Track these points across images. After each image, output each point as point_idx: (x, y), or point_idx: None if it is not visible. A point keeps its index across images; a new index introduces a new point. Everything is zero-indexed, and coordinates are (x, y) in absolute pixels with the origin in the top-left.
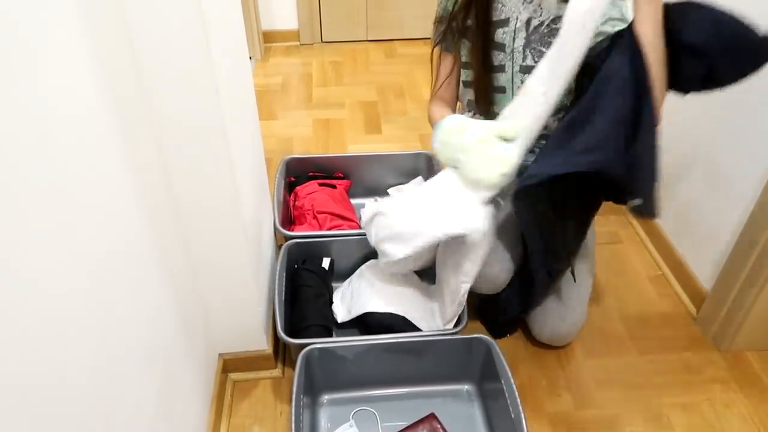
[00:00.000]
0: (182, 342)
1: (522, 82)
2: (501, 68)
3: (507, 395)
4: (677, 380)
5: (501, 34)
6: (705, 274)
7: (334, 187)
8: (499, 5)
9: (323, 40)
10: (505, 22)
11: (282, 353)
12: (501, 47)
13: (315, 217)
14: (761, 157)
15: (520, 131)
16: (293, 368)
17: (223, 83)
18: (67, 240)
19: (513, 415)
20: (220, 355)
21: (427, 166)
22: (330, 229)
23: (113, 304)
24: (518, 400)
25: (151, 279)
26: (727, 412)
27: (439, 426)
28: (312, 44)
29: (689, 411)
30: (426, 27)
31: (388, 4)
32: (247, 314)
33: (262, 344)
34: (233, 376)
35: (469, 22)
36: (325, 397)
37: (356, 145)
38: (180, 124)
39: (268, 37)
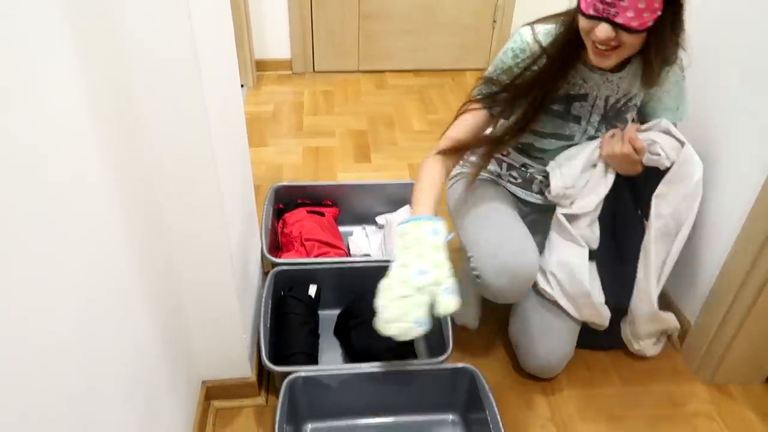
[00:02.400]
0: (165, 369)
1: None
2: (570, 137)
3: (491, 425)
4: (661, 413)
5: (578, 108)
6: (689, 307)
7: (322, 214)
8: (580, 81)
9: (315, 69)
10: (583, 97)
11: (266, 381)
12: (577, 119)
13: (302, 244)
14: (741, 195)
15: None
16: (277, 396)
17: (213, 111)
18: (54, 269)
19: None
20: (203, 382)
21: None
22: (317, 256)
23: (97, 333)
24: (502, 430)
25: (136, 307)
26: None
27: None
28: (304, 73)
29: None
30: (416, 59)
31: (379, 36)
32: (232, 341)
33: (246, 372)
34: (216, 403)
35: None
36: (309, 426)
37: (346, 173)
38: (169, 151)
39: (261, 65)
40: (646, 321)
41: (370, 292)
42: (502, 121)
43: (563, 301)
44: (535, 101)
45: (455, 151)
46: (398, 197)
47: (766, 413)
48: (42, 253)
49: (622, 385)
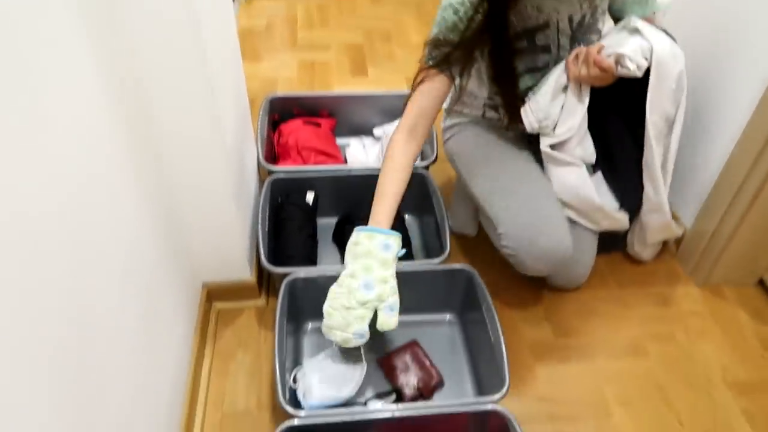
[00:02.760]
0: (163, 268)
1: None
2: (545, 68)
3: (487, 321)
4: (654, 312)
5: (543, 38)
6: (686, 212)
7: (318, 125)
8: (534, 12)
9: None
10: (544, 26)
11: (266, 284)
12: (545, 49)
13: (299, 153)
14: (742, 99)
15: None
16: (277, 298)
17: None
18: (44, 157)
19: (492, 339)
20: (204, 283)
21: None
22: (314, 164)
23: (89, 223)
24: (498, 324)
25: (128, 201)
26: (700, 342)
27: (420, 351)
28: None
29: (664, 340)
30: None
31: None
32: (230, 243)
33: (246, 274)
34: (217, 305)
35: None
36: (309, 325)
37: (342, 87)
38: (158, 50)
39: None
40: (658, 230)
41: (368, 199)
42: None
43: (581, 220)
44: (494, 48)
45: (422, 127)
46: (396, 108)
47: (756, 313)
48: (28, 139)
49: (617, 287)
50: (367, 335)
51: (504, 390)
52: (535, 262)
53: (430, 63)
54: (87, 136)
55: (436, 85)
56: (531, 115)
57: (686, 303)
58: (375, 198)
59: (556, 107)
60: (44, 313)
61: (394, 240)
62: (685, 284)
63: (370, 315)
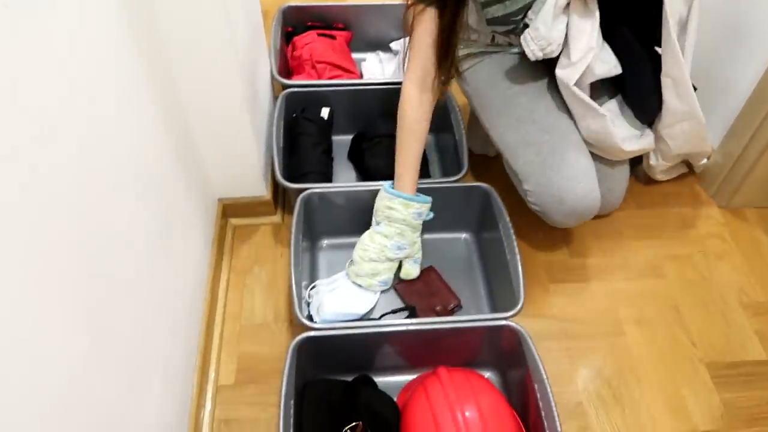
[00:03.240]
0: (179, 180)
1: None
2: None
3: (504, 240)
4: (673, 234)
5: None
6: (712, 135)
7: (333, 38)
8: None
9: None
10: None
11: (282, 200)
12: None
13: (314, 67)
14: None
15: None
16: (292, 215)
17: None
18: (56, 65)
19: (508, 258)
20: (219, 200)
21: None
22: (329, 79)
23: (101, 128)
24: (514, 243)
25: (141, 108)
26: (718, 263)
27: (436, 276)
28: None
29: (682, 261)
30: None
31: None
32: (245, 159)
33: (261, 190)
34: (233, 221)
35: None
36: (325, 242)
37: None
38: None
39: None
40: (687, 140)
41: (384, 115)
42: None
43: (609, 156)
44: None
45: (431, 74)
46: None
47: None
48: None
49: (636, 208)
50: (390, 284)
51: (518, 307)
52: (564, 219)
53: None
54: (97, 47)
55: (429, 26)
56: (532, 43)
57: (707, 225)
58: (397, 158)
59: (559, 30)
60: (64, 223)
61: (426, 208)
62: (707, 206)
63: (396, 266)
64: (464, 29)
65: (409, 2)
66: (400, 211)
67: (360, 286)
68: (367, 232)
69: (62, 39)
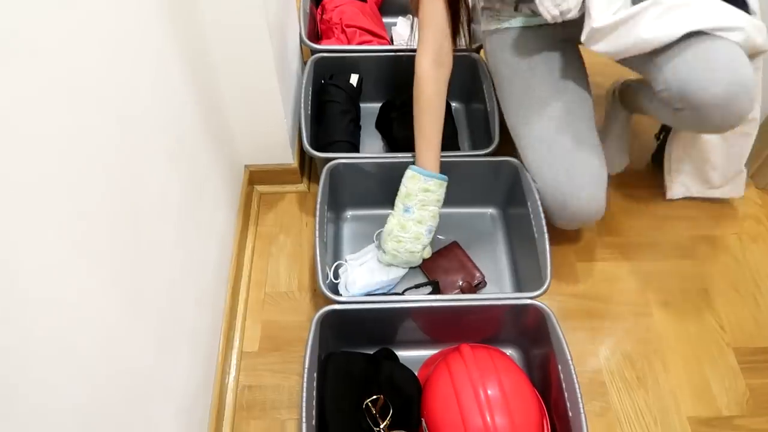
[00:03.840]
0: (207, 144)
1: None
2: None
3: (532, 217)
4: (708, 214)
5: None
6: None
7: (364, 1)
8: None
9: None
10: None
11: (308, 169)
12: None
13: (343, 31)
14: None
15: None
16: (318, 184)
17: None
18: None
19: (536, 234)
20: (246, 166)
21: None
22: (359, 44)
23: (129, 86)
24: (543, 221)
25: (169, 69)
26: (752, 246)
27: (461, 252)
28: None
29: (716, 243)
30: None
31: None
32: (273, 126)
33: (288, 158)
34: (259, 188)
35: None
36: (349, 213)
37: None
38: None
39: None
40: None
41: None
42: None
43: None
44: None
45: (446, 46)
46: None
47: None
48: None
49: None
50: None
51: (545, 287)
52: (565, 224)
53: None
54: (127, 8)
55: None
56: (546, 1)
57: (743, 206)
58: (418, 136)
59: None
60: (101, 190)
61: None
62: (746, 186)
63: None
64: None
65: None
66: (435, 192)
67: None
68: (395, 222)
69: (104, 14)
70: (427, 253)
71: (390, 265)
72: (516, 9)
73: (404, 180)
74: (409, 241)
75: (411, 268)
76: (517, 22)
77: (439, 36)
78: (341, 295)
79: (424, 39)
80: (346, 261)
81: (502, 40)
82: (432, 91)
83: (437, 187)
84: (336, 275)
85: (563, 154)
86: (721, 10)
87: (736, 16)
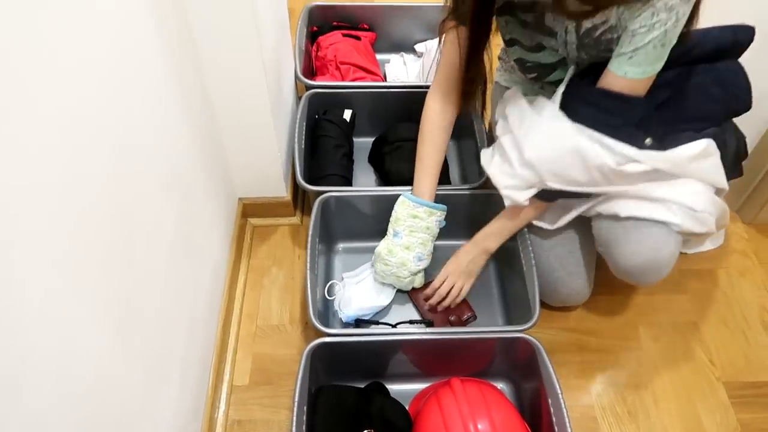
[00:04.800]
0: (201, 177)
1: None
2: (554, 51)
3: (520, 248)
4: None
5: (551, 20)
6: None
7: (358, 38)
8: None
9: None
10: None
11: (301, 202)
12: (552, 33)
13: (338, 68)
14: None
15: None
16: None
17: None
18: (80, 49)
19: (524, 268)
20: (239, 199)
21: None
22: (353, 80)
23: (129, 119)
24: (531, 253)
25: (166, 103)
26: (741, 280)
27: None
28: None
29: (704, 277)
30: None
31: None
32: (267, 159)
33: (282, 191)
34: (253, 221)
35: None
36: (341, 246)
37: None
38: None
39: None
40: None
41: (406, 118)
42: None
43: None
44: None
45: (455, 84)
46: (439, 22)
47: None
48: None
49: None
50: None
51: (533, 320)
52: (554, 303)
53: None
54: (126, 42)
55: (455, 44)
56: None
57: (731, 241)
58: (417, 166)
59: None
60: (97, 222)
61: (443, 214)
62: (732, 221)
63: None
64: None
65: (444, 10)
66: (424, 219)
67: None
68: (383, 246)
69: (104, 47)
70: (419, 282)
71: (383, 283)
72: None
73: (395, 205)
74: (395, 266)
75: (403, 292)
76: (528, 86)
77: (450, 76)
78: (335, 322)
79: (438, 74)
80: (342, 278)
81: (511, 101)
82: (435, 125)
83: (426, 215)
84: (330, 292)
85: (556, 246)
86: (655, 205)
87: (673, 211)
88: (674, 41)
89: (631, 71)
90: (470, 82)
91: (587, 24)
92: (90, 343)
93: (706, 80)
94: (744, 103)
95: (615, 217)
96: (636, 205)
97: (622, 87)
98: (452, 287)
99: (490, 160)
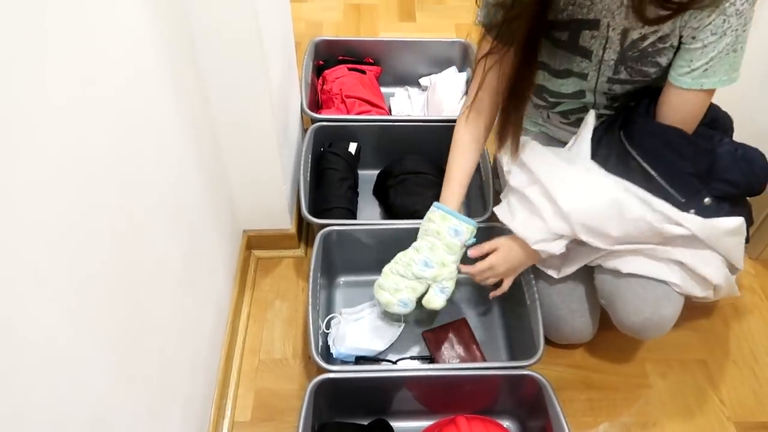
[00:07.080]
0: (207, 210)
1: (609, 91)
2: (583, 76)
3: (523, 284)
4: None
5: (588, 38)
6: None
7: (363, 72)
8: (588, 1)
9: None
10: (593, 24)
11: (306, 234)
12: (586, 54)
13: (343, 102)
14: None
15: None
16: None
17: None
18: (87, 78)
19: (528, 303)
20: (244, 231)
21: (461, 55)
22: (358, 114)
23: (134, 153)
24: (534, 288)
25: (174, 136)
26: (749, 316)
27: (467, 332)
28: None
29: (712, 314)
30: None
31: None
32: (272, 192)
33: (286, 223)
34: (257, 253)
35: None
36: (342, 279)
37: (388, 32)
38: None
39: None
40: None
41: (411, 152)
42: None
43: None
44: (531, 22)
45: (487, 101)
46: (444, 57)
47: None
48: (74, 65)
49: None
50: (412, 307)
51: (538, 356)
52: (559, 341)
53: (478, 21)
54: (133, 74)
55: (491, 60)
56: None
57: (738, 276)
58: (444, 179)
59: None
60: (101, 257)
61: (467, 228)
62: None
63: (422, 290)
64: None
65: (480, 29)
66: (436, 223)
67: (383, 309)
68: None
69: (113, 81)
70: (427, 302)
71: (380, 288)
72: (548, 116)
73: None
74: (403, 264)
75: (410, 326)
76: (545, 128)
77: (481, 90)
78: (331, 352)
79: (470, 87)
80: (341, 314)
81: (527, 145)
82: (464, 139)
83: (440, 219)
84: (328, 325)
85: (563, 286)
86: (655, 263)
87: (674, 271)
88: (745, 48)
89: (708, 82)
90: (515, 109)
91: (634, 35)
92: (91, 383)
93: (736, 152)
94: (760, 186)
95: (617, 273)
96: (637, 262)
97: (695, 100)
98: (490, 269)
99: (510, 216)
